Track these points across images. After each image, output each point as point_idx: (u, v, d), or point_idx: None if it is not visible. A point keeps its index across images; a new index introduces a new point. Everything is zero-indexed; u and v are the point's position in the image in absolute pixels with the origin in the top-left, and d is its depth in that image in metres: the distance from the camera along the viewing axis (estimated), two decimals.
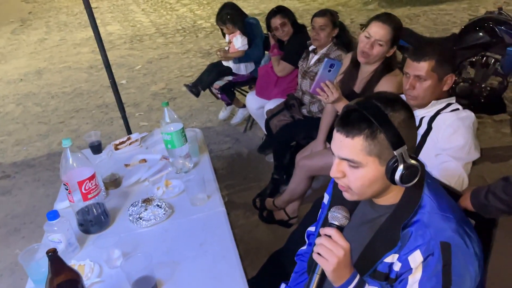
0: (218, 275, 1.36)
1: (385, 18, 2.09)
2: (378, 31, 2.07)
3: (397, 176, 0.99)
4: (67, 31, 8.95)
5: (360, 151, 0.99)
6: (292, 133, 2.86)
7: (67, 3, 11.88)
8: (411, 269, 0.97)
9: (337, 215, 1.04)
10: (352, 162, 1.01)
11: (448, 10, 6.69)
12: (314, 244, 1.05)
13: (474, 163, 1.74)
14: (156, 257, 1.44)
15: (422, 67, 1.71)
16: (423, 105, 1.79)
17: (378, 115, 0.98)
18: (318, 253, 1.01)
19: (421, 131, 1.79)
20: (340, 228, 1.03)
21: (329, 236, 1.01)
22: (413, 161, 0.99)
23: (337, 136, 1.02)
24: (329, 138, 2.51)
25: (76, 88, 5.81)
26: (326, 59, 1.97)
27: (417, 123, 1.80)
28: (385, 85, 2.11)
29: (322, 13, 2.76)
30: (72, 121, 4.81)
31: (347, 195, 1.08)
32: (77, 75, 6.31)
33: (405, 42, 3.41)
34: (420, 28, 6.17)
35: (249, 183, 3.22)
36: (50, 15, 10.91)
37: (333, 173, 1.06)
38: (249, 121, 3.94)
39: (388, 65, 2.15)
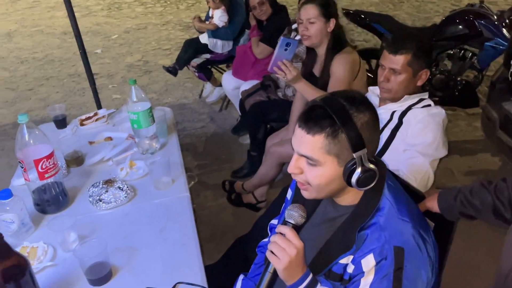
0: (177, 263, 1.33)
1: (313, 2, 2.15)
2: (304, 12, 2.15)
3: (353, 179, 0.97)
4: None
5: (320, 149, 0.96)
6: (266, 111, 2.82)
7: None
8: (363, 272, 0.97)
9: (294, 214, 1.02)
10: (310, 160, 0.98)
11: None
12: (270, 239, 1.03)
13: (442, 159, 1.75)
14: (114, 242, 1.40)
15: (398, 60, 1.69)
16: (396, 99, 1.77)
17: (342, 114, 0.95)
18: (271, 251, 0.99)
19: (391, 125, 1.77)
20: (295, 227, 1.01)
21: (283, 235, 0.99)
22: (371, 165, 0.97)
23: (298, 132, 0.99)
24: None
25: (48, 54, 5.58)
26: (282, 38, 2.02)
27: (388, 117, 1.79)
28: (337, 65, 2.14)
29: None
30: (41, 89, 4.63)
31: (305, 193, 1.06)
32: (50, 41, 6.06)
33: (385, 30, 3.39)
34: (403, 14, 6.16)
35: (221, 164, 3.18)
36: None
37: (291, 169, 1.04)
38: (225, 100, 3.88)
39: (336, 42, 2.17)
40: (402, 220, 0.98)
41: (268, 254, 0.99)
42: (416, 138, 1.69)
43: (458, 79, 3.40)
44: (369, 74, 3.59)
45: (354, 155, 0.95)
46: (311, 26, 2.16)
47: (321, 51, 2.24)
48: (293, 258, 0.97)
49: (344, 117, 0.94)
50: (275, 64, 2.04)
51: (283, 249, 0.97)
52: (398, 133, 1.74)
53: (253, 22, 3.26)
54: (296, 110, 2.48)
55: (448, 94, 3.40)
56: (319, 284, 1.01)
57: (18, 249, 1.34)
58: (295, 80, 2.07)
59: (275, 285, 1.03)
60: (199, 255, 1.36)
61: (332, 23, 2.16)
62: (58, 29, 6.46)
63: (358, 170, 0.96)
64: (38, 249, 1.36)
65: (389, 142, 1.76)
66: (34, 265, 1.30)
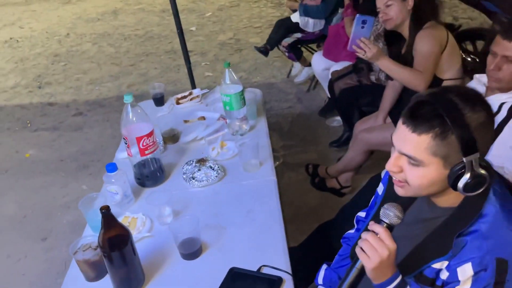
0: (262, 245, 1.38)
1: None
2: (380, 0, 2.10)
3: (460, 184, 0.90)
4: None
5: (425, 149, 0.90)
6: (356, 97, 2.75)
7: None
8: (459, 281, 0.91)
9: (389, 213, 0.98)
10: (412, 160, 0.92)
11: None
12: (360, 235, 1.01)
13: None
14: (204, 219, 1.48)
15: None
16: (506, 89, 1.61)
17: (454, 114, 0.87)
18: (361, 248, 0.97)
19: (499, 118, 1.62)
20: (390, 227, 0.98)
21: (376, 234, 0.96)
22: (482, 171, 0.89)
23: (402, 129, 0.92)
24: (390, 114, 2.38)
25: (148, 31, 5.93)
26: (357, 15, 2.02)
27: (496, 109, 1.63)
28: (420, 41, 2.05)
29: None
30: (141, 64, 4.96)
31: (400, 191, 1.01)
32: (150, 18, 6.43)
33: (497, 8, 3.05)
34: None
35: (306, 145, 3.18)
36: None
37: (389, 167, 0.98)
38: (313, 81, 3.83)
39: (417, 18, 2.08)
40: (510, 230, 0.91)
41: (358, 250, 0.97)
42: None
43: None
44: (473, 57, 3.30)
45: (465, 159, 0.88)
46: (389, 9, 2.10)
47: (405, 32, 2.16)
48: (384, 259, 0.93)
49: (457, 116, 0.86)
50: (353, 43, 2.04)
51: (374, 249, 0.94)
52: (506, 127, 1.59)
53: (347, 1, 3.14)
54: (387, 97, 2.39)
55: None
56: (408, 287, 0.98)
57: (120, 219, 1.47)
58: (376, 57, 2.04)
59: (361, 282, 1.01)
60: (284, 239, 1.39)
61: (411, 0, 2.06)
62: (157, 7, 6.81)
63: (467, 175, 0.89)
64: (137, 220, 1.49)
65: (495, 136, 1.62)
66: (134, 234, 1.42)
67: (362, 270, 0.99)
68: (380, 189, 1.24)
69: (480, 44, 3.30)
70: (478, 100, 0.91)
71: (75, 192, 2.92)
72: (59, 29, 6.46)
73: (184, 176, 1.70)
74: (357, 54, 2.07)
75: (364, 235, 0.97)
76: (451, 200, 1.00)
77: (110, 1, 7.48)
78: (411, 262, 1.01)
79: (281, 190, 1.71)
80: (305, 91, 3.88)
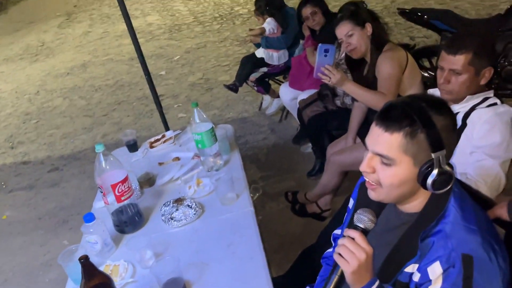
0: (245, 277, 1.40)
1: (343, 18, 2.22)
2: (340, 31, 2.23)
3: (429, 181, 0.97)
4: (110, 23, 9.19)
5: (397, 148, 0.97)
6: (325, 122, 2.84)
7: None
8: (430, 280, 0.96)
9: (363, 218, 1.03)
10: (385, 159, 0.99)
11: None
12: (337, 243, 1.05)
13: None
14: (186, 258, 1.49)
15: (458, 60, 1.63)
16: (458, 100, 1.71)
17: (422, 114, 0.95)
18: (339, 254, 1.00)
19: None
20: (365, 232, 1.02)
21: (353, 239, 1.00)
22: (448, 168, 0.97)
23: (375, 130, 1.01)
24: (359, 134, 2.47)
25: (118, 80, 5.99)
26: (320, 45, 2.13)
27: None
28: (382, 64, 2.16)
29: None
30: (114, 113, 4.98)
31: (372, 194, 1.07)
32: (119, 67, 6.50)
33: (446, 26, 3.25)
34: (465, 5, 5.85)
35: (284, 174, 3.23)
36: (93, 7, 11.21)
37: (363, 167, 1.04)
38: (284, 111, 3.93)
39: (377, 42, 2.21)
40: (469, 228, 0.96)
41: (336, 257, 1.00)
42: (483, 140, 1.62)
43: None
44: (430, 73, 3.47)
45: (433, 155, 0.95)
46: (351, 39, 2.21)
47: (367, 56, 2.28)
48: (363, 262, 0.97)
49: (425, 117, 0.95)
50: (318, 71, 2.13)
51: (352, 253, 0.97)
52: (462, 135, 1.68)
53: (306, 33, 3.28)
54: (355, 118, 2.48)
55: None
56: None
57: (102, 268, 1.47)
58: (341, 82, 2.12)
59: None
60: (266, 268, 1.41)
61: (369, 27, 2.19)
62: (126, 56, 6.91)
63: (435, 171, 0.96)
64: (119, 267, 1.49)
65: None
66: (117, 282, 1.42)
67: (342, 276, 1.02)
68: (351, 203, 1.30)
69: (435, 60, 3.48)
70: (442, 105, 1.00)
71: (56, 249, 2.86)
72: (29, 88, 6.46)
73: (162, 218, 1.72)
74: (323, 80, 2.15)
75: (341, 241, 1.01)
76: (416, 206, 1.06)
77: (78, 55, 7.56)
78: (386, 270, 1.05)
79: (263, 221, 1.74)
80: (277, 121, 3.97)
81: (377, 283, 1.01)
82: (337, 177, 2.49)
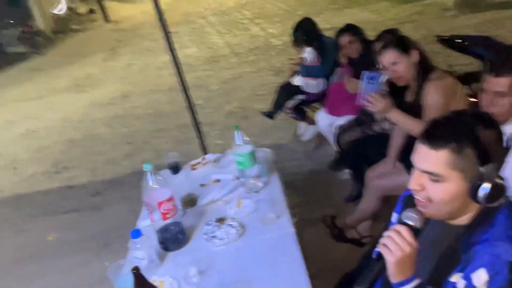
0: None
1: (388, 46, 2.18)
2: (385, 59, 2.18)
3: (480, 194, 0.96)
4: (151, 56, 9.62)
5: (445, 164, 0.98)
6: (364, 148, 2.83)
7: (150, 30, 12.75)
8: (475, 287, 0.94)
9: (413, 215, 1.03)
10: (434, 176, 1.00)
11: None
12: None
13: None
14: (229, 276, 1.51)
15: (503, 82, 1.61)
16: (502, 122, 1.69)
17: (467, 130, 0.97)
18: (384, 245, 1.00)
19: None
20: (412, 229, 1.02)
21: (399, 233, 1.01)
22: (499, 180, 0.97)
23: (421, 148, 1.02)
24: (399, 158, 2.45)
25: (158, 109, 6.21)
26: (365, 72, 2.11)
27: None
28: (431, 93, 2.10)
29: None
30: (154, 140, 5.15)
31: (423, 211, 1.07)
32: (159, 97, 6.75)
33: (486, 52, 3.22)
34: (506, 33, 5.76)
35: (322, 200, 3.21)
36: (136, 42, 11.80)
37: (412, 185, 1.05)
38: (320, 137, 3.94)
39: (423, 68, 2.15)
40: None
41: (381, 246, 1.01)
42: None
43: None
44: (472, 99, 3.41)
45: (482, 169, 0.95)
46: (397, 66, 2.17)
47: (412, 82, 2.24)
48: (407, 254, 0.98)
49: (470, 132, 0.96)
50: (363, 98, 2.12)
51: (397, 243, 0.98)
52: (509, 158, 1.65)
53: (344, 60, 3.33)
54: (395, 143, 2.47)
55: None
56: None
57: None
58: (386, 110, 2.10)
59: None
60: (309, 286, 1.41)
61: (415, 53, 2.15)
62: (165, 86, 7.17)
63: (486, 185, 0.96)
64: (165, 283, 1.52)
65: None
66: None
67: (383, 268, 1.01)
68: (394, 218, 1.29)
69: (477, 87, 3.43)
70: (487, 119, 1.01)
71: (98, 271, 2.94)
72: (74, 117, 6.79)
73: (205, 237, 1.75)
74: (368, 108, 2.14)
75: (388, 232, 1.01)
76: (465, 220, 1.05)
77: (121, 86, 7.91)
78: (433, 280, 1.04)
79: (302, 246, 1.74)
80: (313, 148, 3.99)
81: (417, 280, 1.00)
82: (377, 202, 2.46)
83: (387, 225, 1.45)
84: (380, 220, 2.61)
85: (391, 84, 2.39)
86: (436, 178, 0.99)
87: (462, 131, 0.96)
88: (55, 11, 15.67)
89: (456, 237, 1.04)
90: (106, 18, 16.12)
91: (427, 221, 1.13)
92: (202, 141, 3.27)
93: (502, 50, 3.07)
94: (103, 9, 16.26)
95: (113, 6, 18.58)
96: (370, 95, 2.08)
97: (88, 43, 13.40)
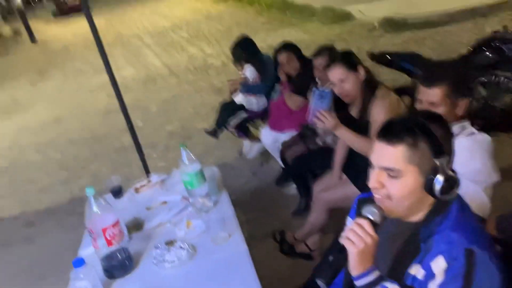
0: None
1: (335, 62, 2.18)
2: (333, 75, 2.18)
3: (436, 187, 1.01)
4: (83, 78, 9.24)
5: (401, 159, 1.03)
6: (309, 162, 2.89)
7: (82, 51, 12.33)
8: (434, 274, 0.98)
9: (373, 210, 1.07)
10: (392, 171, 1.04)
11: (453, 31, 6.73)
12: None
13: (495, 185, 1.73)
14: None
15: (435, 93, 1.72)
16: None
17: (421, 125, 1.03)
18: (347, 237, 1.04)
19: None
20: (372, 223, 1.06)
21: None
22: (452, 173, 1.03)
23: (379, 146, 1.07)
24: (343, 170, 2.51)
25: (94, 133, 5.95)
26: (315, 89, 2.10)
27: None
28: (377, 111, 2.13)
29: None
30: (91, 165, 4.90)
31: (382, 206, 1.10)
32: (95, 120, 6.48)
33: (414, 67, 3.45)
34: (427, 50, 6.21)
35: (269, 215, 3.21)
36: (66, 64, 11.31)
37: (372, 184, 1.09)
38: (265, 154, 3.97)
39: (369, 85, 2.18)
40: (470, 226, 1.02)
41: (343, 239, 1.05)
42: (465, 167, 1.67)
43: (496, 104, 3.37)
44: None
45: (437, 161, 1.01)
46: (345, 84, 2.17)
47: (358, 98, 2.25)
48: (368, 246, 1.02)
49: (423, 127, 1.02)
50: (313, 115, 2.09)
51: (359, 236, 1.02)
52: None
53: (283, 77, 3.41)
54: (339, 155, 2.52)
55: (488, 121, 3.36)
56: (387, 282, 1.03)
57: None
58: (335, 128, 2.08)
59: None
60: None
61: (361, 70, 2.17)
62: (101, 109, 6.91)
63: (441, 177, 1.01)
64: None
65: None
66: None
67: (344, 260, 1.06)
68: (349, 222, 1.32)
69: (405, 99, 3.64)
70: (437, 117, 1.09)
71: None
72: (1, 144, 6.32)
73: (154, 261, 1.68)
74: (317, 125, 2.11)
75: (349, 226, 1.05)
76: (420, 216, 1.10)
77: (52, 109, 7.50)
78: (392, 275, 1.06)
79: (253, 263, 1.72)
80: (259, 165, 4.00)
81: (377, 272, 1.04)
82: (325, 215, 2.50)
83: (335, 239, 1.47)
84: (329, 233, 2.65)
85: (335, 99, 2.43)
86: (394, 174, 1.04)
87: (416, 126, 1.03)
88: None
89: (413, 231, 1.08)
90: (33, 39, 15.33)
91: (385, 218, 1.17)
92: (144, 163, 3.16)
93: (431, 64, 3.30)
94: (28, 29, 15.43)
95: (39, 27, 17.76)
96: (320, 112, 2.06)
97: (14, 65, 12.63)
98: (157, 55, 9.89)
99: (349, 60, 2.20)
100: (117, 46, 11.68)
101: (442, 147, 1.02)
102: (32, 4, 30.41)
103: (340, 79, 2.16)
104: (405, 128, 1.03)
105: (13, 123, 7.26)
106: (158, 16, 15.51)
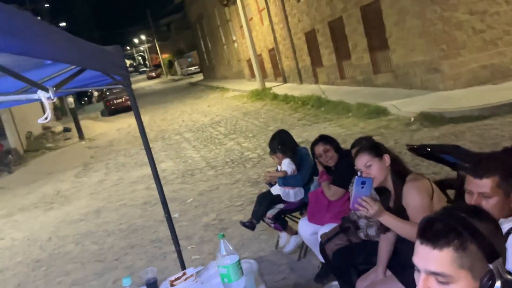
0: None
1: (362, 150, 2.31)
2: (359, 162, 2.29)
3: None
4: (124, 171, 9.60)
5: (451, 263, 0.93)
6: (351, 256, 2.74)
7: (125, 146, 13.00)
8: None
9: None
10: (441, 277, 0.94)
11: (494, 125, 6.65)
12: None
13: None
14: None
15: (485, 184, 1.64)
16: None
17: (465, 224, 0.93)
18: None
19: None
20: None
21: None
22: (509, 276, 0.92)
23: (422, 249, 0.97)
24: (389, 266, 2.36)
25: (131, 224, 6.00)
26: (356, 177, 2.13)
27: None
28: (409, 195, 2.17)
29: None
30: (126, 257, 4.86)
31: None
32: (132, 212, 6.57)
33: (456, 159, 3.36)
34: (468, 144, 6.12)
35: None
36: (109, 157, 11.86)
37: None
38: (303, 248, 3.82)
39: (398, 172, 2.27)
40: None
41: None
42: None
43: None
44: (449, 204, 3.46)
45: (491, 266, 0.91)
46: (370, 169, 2.26)
47: (389, 185, 2.31)
48: None
49: (469, 226, 0.93)
50: (355, 202, 2.10)
51: None
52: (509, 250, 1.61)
53: (320, 169, 3.40)
54: (383, 250, 2.39)
55: None
56: None
57: None
58: (378, 214, 2.09)
59: None
60: None
61: (387, 158, 2.27)
62: (139, 200, 7.04)
63: (498, 283, 0.90)
64: None
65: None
66: None
67: None
68: None
69: (450, 192, 3.51)
70: (481, 212, 0.99)
71: None
72: (41, 235, 6.45)
73: None
74: (360, 212, 2.13)
75: None
76: None
77: (93, 201, 7.72)
78: None
79: None
80: (296, 260, 3.83)
81: None
82: None
83: None
84: None
85: (377, 190, 2.42)
86: (444, 279, 0.94)
87: (460, 225, 0.93)
88: (40, 120, 15.95)
89: None
90: (81, 136, 16.40)
91: None
92: (180, 255, 3.10)
93: (478, 155, 3.22)
94: (78, 127, 16.62)
95: (88, 124, 19.13)
96: (362, 199, 2.08)
97: (61, 160, 13.39)
98: (195, 149, 10.24)
99: (374, 148, 2.33)
100: (158, 141, 12.27)
101: (494, 248, 0.92)
102: (83, 103, 33.12)
103: (365, 165, 2.27)
104: (449, 228, 0.94)
105: (55, 215, 7.47)
106: (198, 113, 16.41)
